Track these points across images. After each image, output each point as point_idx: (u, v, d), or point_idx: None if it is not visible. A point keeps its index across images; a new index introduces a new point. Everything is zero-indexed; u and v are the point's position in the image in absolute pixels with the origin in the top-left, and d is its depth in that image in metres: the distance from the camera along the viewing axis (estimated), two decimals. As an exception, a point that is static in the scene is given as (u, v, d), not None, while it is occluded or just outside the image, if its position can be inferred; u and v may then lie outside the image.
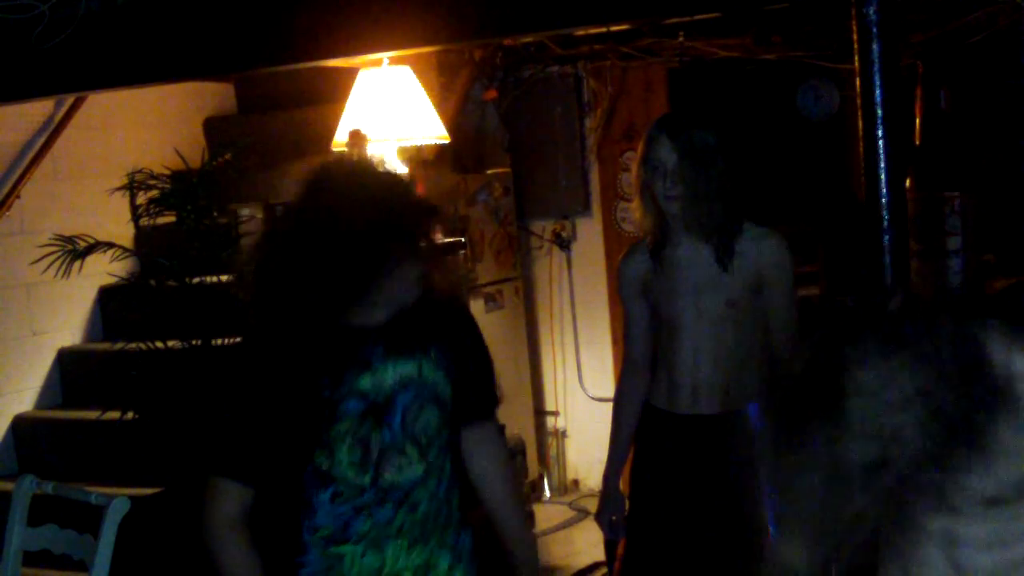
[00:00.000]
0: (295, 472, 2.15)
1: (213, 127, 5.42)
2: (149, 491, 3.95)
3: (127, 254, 4.10)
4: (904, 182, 2.39)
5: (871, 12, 2.30)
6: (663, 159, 2.85)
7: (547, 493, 5.73)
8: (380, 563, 2.18)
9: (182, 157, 4.05)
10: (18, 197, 4.60)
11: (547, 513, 5.42)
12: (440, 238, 2.38)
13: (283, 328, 2.17)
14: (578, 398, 5.73)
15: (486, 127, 5.64)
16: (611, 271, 5.49)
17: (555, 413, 5.83)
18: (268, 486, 2.18)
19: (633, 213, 3.03)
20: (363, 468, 2.15)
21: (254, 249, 2.29)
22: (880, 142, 2.31)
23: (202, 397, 3.78)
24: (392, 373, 2.17)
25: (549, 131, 5.67)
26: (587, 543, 4.88)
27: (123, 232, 4.37)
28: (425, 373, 2.21)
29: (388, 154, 4.57)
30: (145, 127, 5.10)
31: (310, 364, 2.15)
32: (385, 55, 4.10)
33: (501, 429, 2.41)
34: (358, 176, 2.20)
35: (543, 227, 5.78)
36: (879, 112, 2.31)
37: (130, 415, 3.90)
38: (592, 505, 3.26)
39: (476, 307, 4.95)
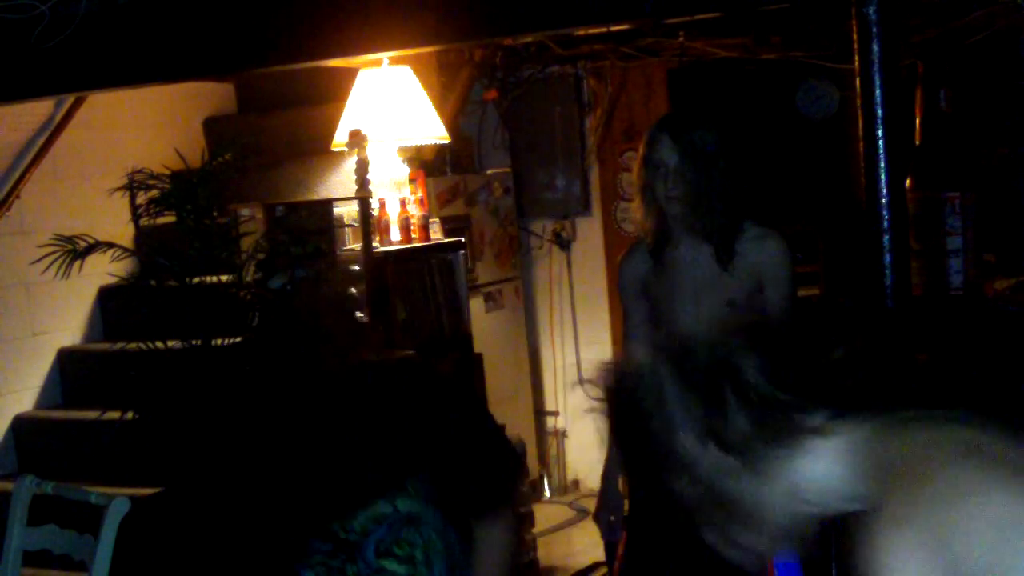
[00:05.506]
0: None
1: (213, 127, 5.41)
2: (149, 491, 3.95)
3: (127, 254, 4.09)
4: (904, 182, 2.39)
5: (871, 12, 2.30)
6: (664, 159, 2.85)
7: (547, 493, 5.73)
8: None
9: (182, 157, 4.04)
10: (18, 197, 4.60)
11: (547, 513, 5.41)
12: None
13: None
14: (578, 398, 5.73)
15: (486, 127, 5.64)
16: (611, 271, 5.49)
17: (555, 413, 5.83)
18: None
19: (634, 213, 3.03)
20: None
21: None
22: (880, 142, 2.31)
23: (202, 397, 3.78)
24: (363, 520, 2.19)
25: (549, 131, 5.66)
26: (587, 543, 4.88)
27: (123, 232, 4.36)
28: (401, 507, 2.20)
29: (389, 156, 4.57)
30: (145, 127, 5.09)
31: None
32: (385, 55, 4.10)
33: (516, 520, 2.32)
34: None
35: (543, 227, 5.78)
36: (879, 112, 2.31)
37: (130, 415, 3.89)
38: (592, 505, 3.26)
39: (476, 307, 4.95)
